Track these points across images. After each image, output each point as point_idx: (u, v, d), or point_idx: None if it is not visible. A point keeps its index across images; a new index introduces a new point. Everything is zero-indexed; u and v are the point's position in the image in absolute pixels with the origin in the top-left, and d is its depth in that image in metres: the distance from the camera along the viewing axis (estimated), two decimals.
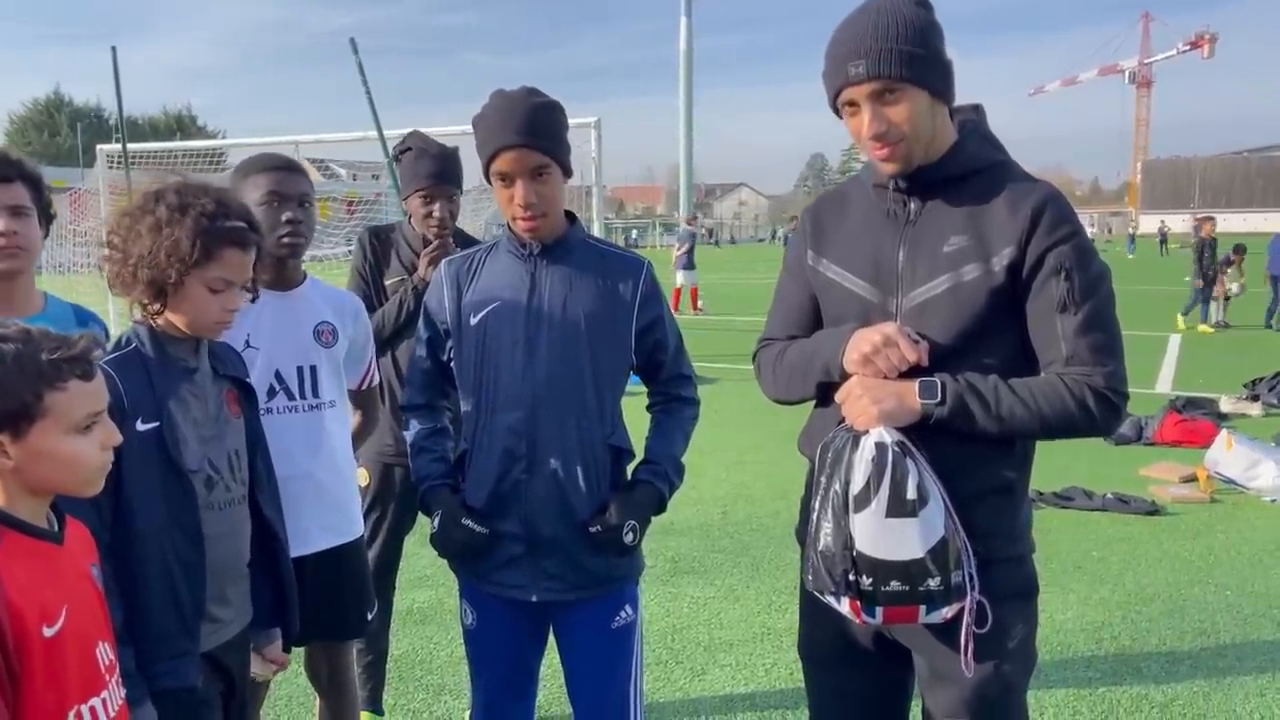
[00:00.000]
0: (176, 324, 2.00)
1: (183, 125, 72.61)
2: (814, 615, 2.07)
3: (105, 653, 1.62)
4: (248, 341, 2.43)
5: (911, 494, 1.75)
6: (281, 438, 2.41)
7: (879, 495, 1.75)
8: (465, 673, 3.85)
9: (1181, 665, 4.03)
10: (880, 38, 1.77)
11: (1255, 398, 9.37)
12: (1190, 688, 3.82)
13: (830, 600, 1.86)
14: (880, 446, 1.77)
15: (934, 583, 1.76)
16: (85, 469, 1.58)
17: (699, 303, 20.42)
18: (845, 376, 1.88)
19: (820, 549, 1.83)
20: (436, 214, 3.23)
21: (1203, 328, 16.17)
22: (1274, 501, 6.27)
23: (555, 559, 2.24)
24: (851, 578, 1.79)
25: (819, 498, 1.85)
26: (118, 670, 1.66)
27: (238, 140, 17.69)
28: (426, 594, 4.82)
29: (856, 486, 1.78)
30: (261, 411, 2.44)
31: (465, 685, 3.79)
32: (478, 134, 2.23)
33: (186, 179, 2.02)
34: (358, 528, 2.68)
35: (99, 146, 14.76)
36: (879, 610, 1.80)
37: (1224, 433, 6.89)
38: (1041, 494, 6.21)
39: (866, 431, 1.80)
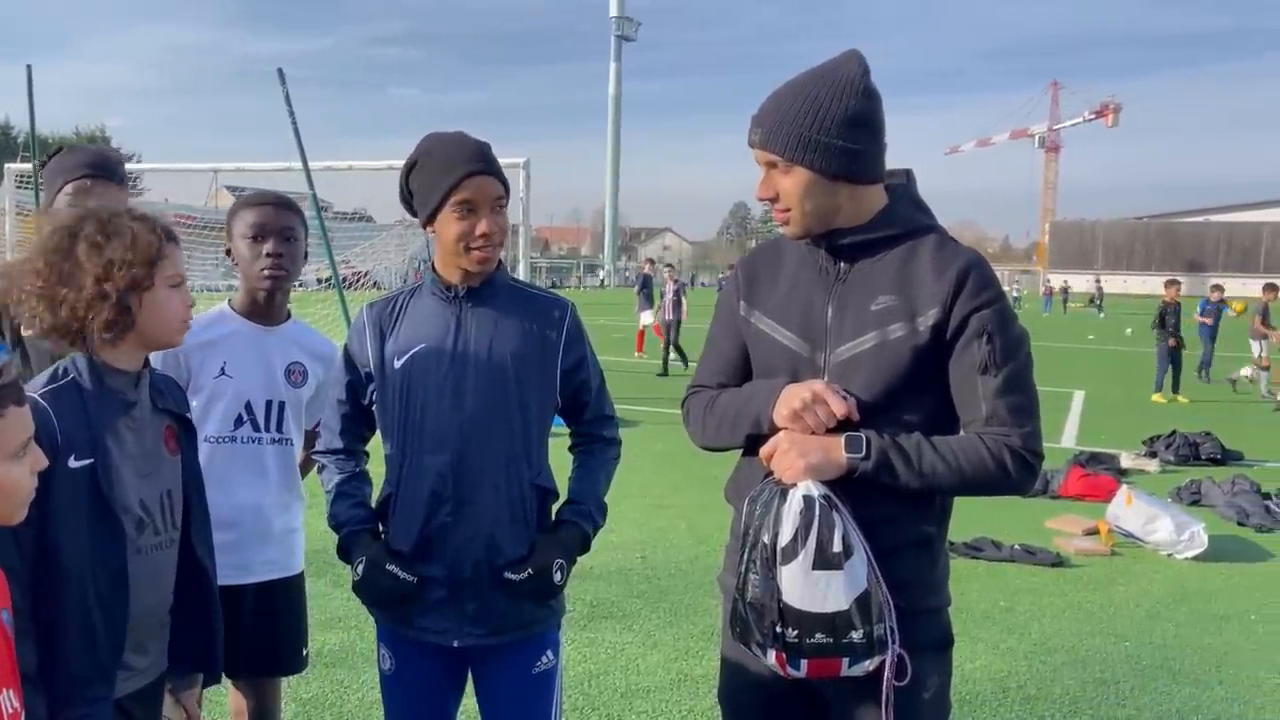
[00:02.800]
0: (134, 345, 1.91)
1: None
2: (734, 662, 2.09)
3: (9, 701, 1.54)
4: (223, 369, 2.49)
5: (837, 547, 1.78)
6: (239, 467, 2.48)
7: (806, 548, 1.78)
8: (375, 717, 3.77)
9: (1083, 714, 4.14)
10: (783, 114, 1.86)
11: (1153, 454, 9.74)
12: None
13: (756, 652, 1.88)
14: (808, 500, 1.80)
15: (857, 635, 1.79)
16: (19, 495, 1.52)
17: (644, 344, 20.03)
18: (774, 429, 1.91)
19: (749, 600, 1.85)
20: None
21: (1180, 397, 15.10)
22: (1170, 556, 6.50)
23: (478, 603, 2.23)
24: (778, 630, 1.81)
25: (747, 549, 1.87)
26: (21, 718, 1.58)
27: (154, 165, 17.33)
28: (338, 636, 4.71)
29: (784, 539, 1.80)
30: (225, 439, 2.49)
31: None
32: (426, 169, 2.21)
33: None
34: (298, 563, 2.70)
35: (7, 165, 14.26)
36: (803, 663, 1.82)
37: (1124, 488, 7.15)
38: (953, 544, 6.34)
39: (794, 485, 1.83)
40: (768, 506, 1.85)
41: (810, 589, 1.78)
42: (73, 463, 1.78)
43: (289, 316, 2.66)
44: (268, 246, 2.51)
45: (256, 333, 2.56)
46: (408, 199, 2.31)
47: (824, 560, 1.78)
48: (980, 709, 4.15)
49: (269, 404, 2.55)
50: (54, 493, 1.72)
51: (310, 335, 2.73)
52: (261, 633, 2.56)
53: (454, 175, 2.17)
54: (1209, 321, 17.49)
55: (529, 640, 2.29)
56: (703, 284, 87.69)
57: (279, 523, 2.60)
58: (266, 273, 2.52)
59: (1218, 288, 18.11)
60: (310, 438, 2.74)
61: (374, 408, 2.35)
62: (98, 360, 1.89)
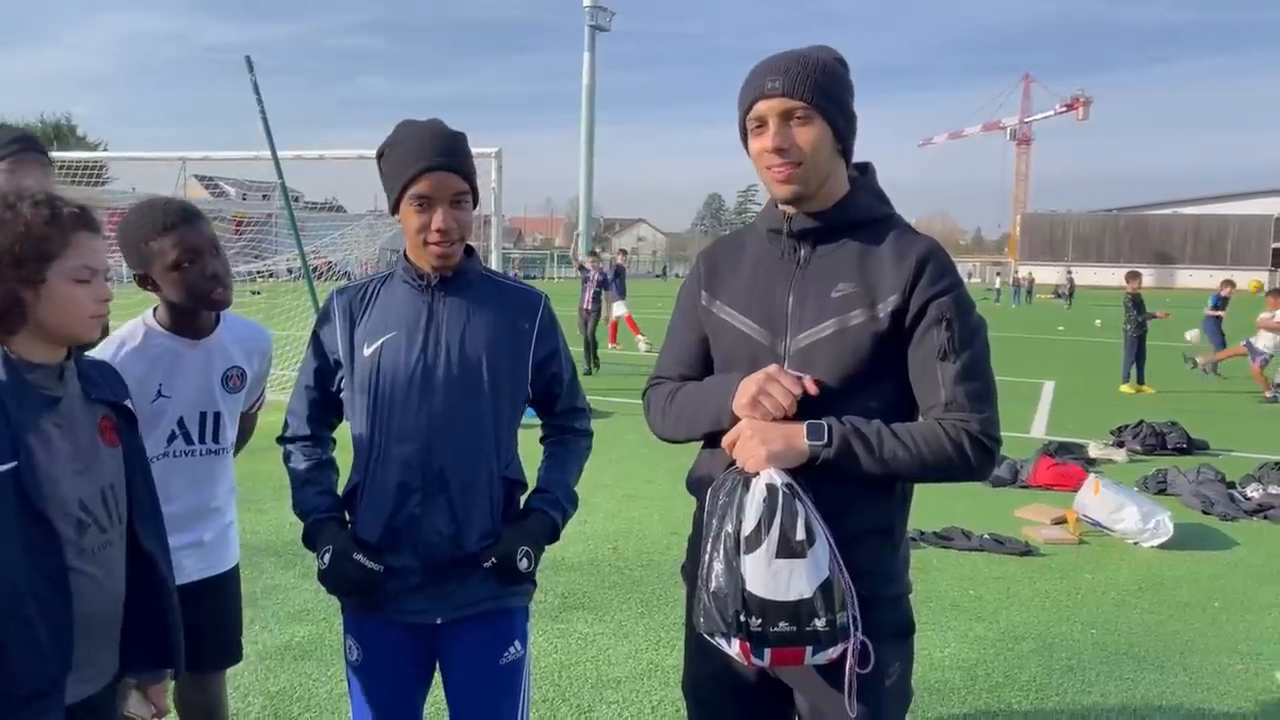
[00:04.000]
0: (39, 339, 1.77)
1: (61, 135, 69.22)
2: (699, 653, 2.09)
3: None
4: (159, 391, 2.40)
5: (800, 535, 1.78)
6: (174, 481, 2.42)
7: (769, 537, 1.78)
8: (345, 710, 3.75)
9: (1050, 701, 4.18)
10: (800, 64, 1.89)
11: (1120, 444, 9.84)
12: None
13: (720, 642, 1.88)
14: (771, 489, 1.80)
15: (820, 623, 1.79)
16: None
17: (639, 335, 18.84)
18: (735, 423, 1.91)
19: (712, 590, 1.84)
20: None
21: (1146, 388, 15.01)
22: (1136, 544, 6.58)
23: (445, 589, 2.23)
24: (742, 619, 1.80)
25: (710, 539, 1.87)
26: None
27: (121, 153, 17.08)
28: (306, 629, 4.67)
29: (748, 528, 1.80)
30: (160, 456, 2.40)
31: None
32: (390, 159, 2.20)
33: None
34: (233, 556, 2.69)
35: None
36: (767, 652, 1.82)
37: (1092, 477, 7.20)
38: (923, 533, 6.39)
39: (757, 474, 1.83)
40: (731, 496, 1.85)
41: (773, 578, 1.78)
42: None
43: (219, 319, 2.55)
44: (210, 270, 2.39)
45: (189, 348, 2.47)
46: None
47: (787, 549, 1.78)
48: (949, 696, 4.18)
49: (204, 415, 2.49)
50: None
51: (242, 330, 2.63)
52: (199, 627, 2.50)
53: (410, 170, 2.15)
54: (1214, 315, 17.36)
55: (500, 616, 2.28)
56: (676, 275, 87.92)
57: (214, 527, 2.59)
58: (218, 296, 2.42)
59: (1229, 282, 17.84)
60: (245, 419, 2.71)
61: (342, 395, 2.33)
62: (13, 355, 1.76)
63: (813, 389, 1.86)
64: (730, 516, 1.83)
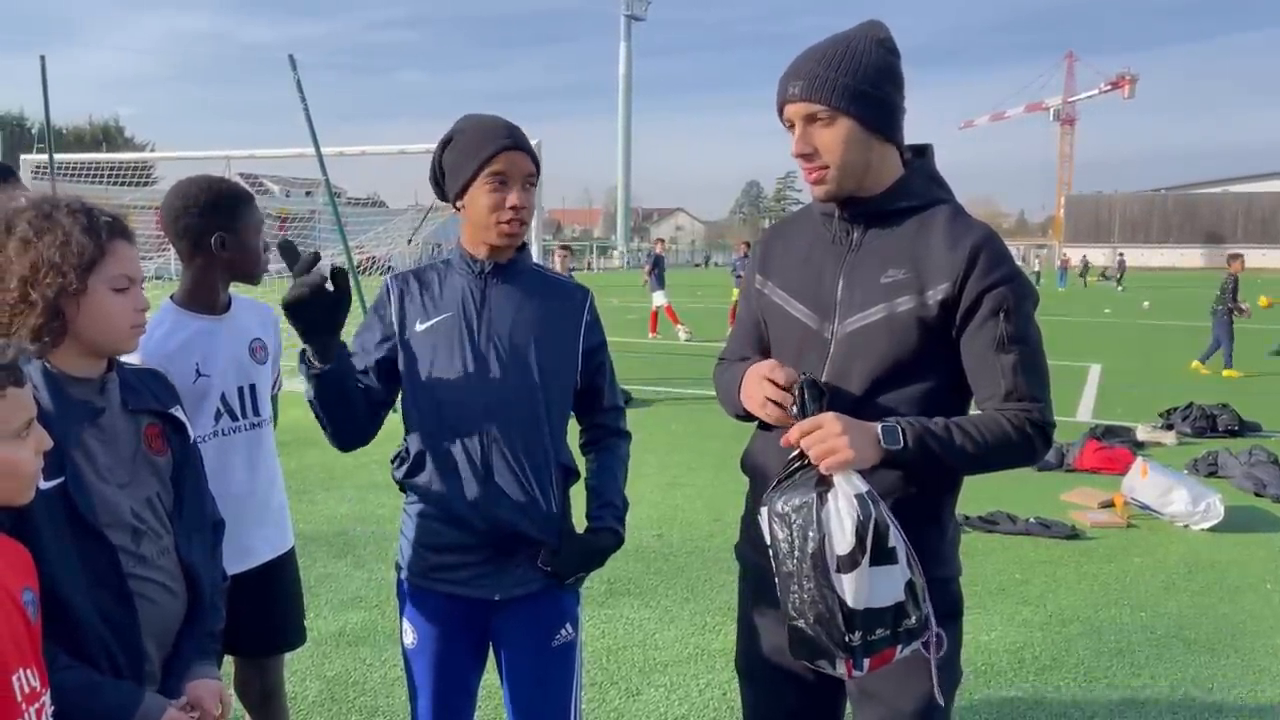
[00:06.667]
0: (79, 351, 1.77)
1: (109, 136, 70.60)
2: (751, 631, 2.13)
3: (26, 680, 1.50)
4: (198, 370, 2.45)
5: (893, 541, 1.75)
6: (225, 458, 2.48)
7: (868, 548, 1.73)
8: (400, 695, 3.83)
9: (1098, 684, 4.17)
10: (823, 65, 1.87)
11: (1169, 427, 9.70)
12: (1107, 705, 3.96)
13: (824, 666, 1.82)
14: (860, 500, 1.74)
15: (911, 621, 1.77)
16: (23, 477, 1.51)
17: (679, 324, 18.58)
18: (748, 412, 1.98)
19: (812, 620, 1.77)
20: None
21: (1228, 372, 14.65)
22: (1185, 527, 6.51)
23: (509, 562, 2.29)
24: (847, 639, 1.75)
25: (793, 560, 1.78)
26: (42, 698, 1.54)
27: (166, 153, 17.39)
28: (360, 615, 4.78)
29: (843, 544, 1.73)
30: (210, 435, 2.45)
31: (400, 708, 3.77)
32: (460, 144, 2.24)
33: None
34: (290, 538, 2.76)
35: (23, 157, 14.37)
36: (866, 661, 1.78)
37: (1140, 460, 7.13)
38: (968, 518, 6.36)
39: (830, 486, 1.77)
40: (807, 514, 1.76)
41: (873, 587, 1.74)
42: (42, 484, 1.61)
43: (229, 296, 2.62)
44: (264, 243, 2.54)
45: (214, 323, 2.52)
46: (439, 178, 2.33)
47: (883, 555, 1.73)
48: (996, 679, 4.18)
49: (241, 390, 2.54)
50: (32, 519, 1.61)
51: (249, 305, 2.68)
52: (265, 613, 2.62)
53: (489, 149, 2.20)
54: None
55: (551, 599, 2.34)
56: (716, 264, 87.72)
57: (274, 501, 2.66)
58: (271, 269, 2.58)
59: None
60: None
61: (396, 377, 2.38)
62: (54, 369, 1.74)
63: (796, 379, 1.85)
64: (811, 536, 1.75)
